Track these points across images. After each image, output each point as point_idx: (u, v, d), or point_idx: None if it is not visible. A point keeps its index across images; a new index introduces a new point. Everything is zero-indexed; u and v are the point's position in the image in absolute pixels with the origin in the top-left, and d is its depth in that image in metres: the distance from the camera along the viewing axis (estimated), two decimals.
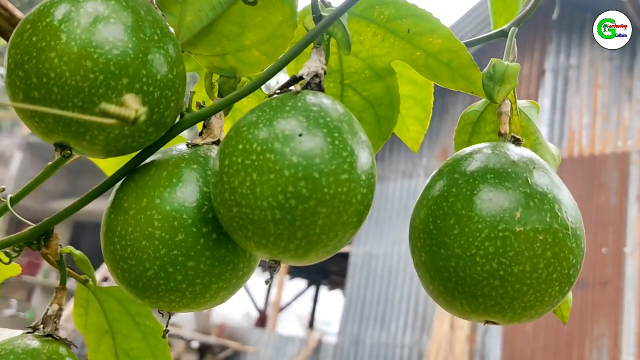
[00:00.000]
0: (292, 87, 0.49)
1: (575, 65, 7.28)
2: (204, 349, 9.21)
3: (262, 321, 11.24)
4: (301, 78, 0.49)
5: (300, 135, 0.41)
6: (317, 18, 0.52)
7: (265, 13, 0.55)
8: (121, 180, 0.52)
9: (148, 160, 0.52)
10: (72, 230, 12.63)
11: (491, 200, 0.44)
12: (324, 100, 0.46)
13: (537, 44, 7.67)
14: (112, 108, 0.30)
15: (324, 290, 14.82)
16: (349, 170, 0.42)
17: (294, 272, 13.20)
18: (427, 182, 0.52)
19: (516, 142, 0.53)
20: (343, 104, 0.52)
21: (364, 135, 0.46)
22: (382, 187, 8.43)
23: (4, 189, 0.62)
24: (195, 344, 9.23)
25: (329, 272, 13.79)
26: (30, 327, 0.57)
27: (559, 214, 0.44)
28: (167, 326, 0.56)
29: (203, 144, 0.54)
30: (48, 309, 0.58)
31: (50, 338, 0.57)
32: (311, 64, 0.50)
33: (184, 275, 0.47)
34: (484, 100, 0.62)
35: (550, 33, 7.59)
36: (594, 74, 7.08)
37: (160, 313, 0.54)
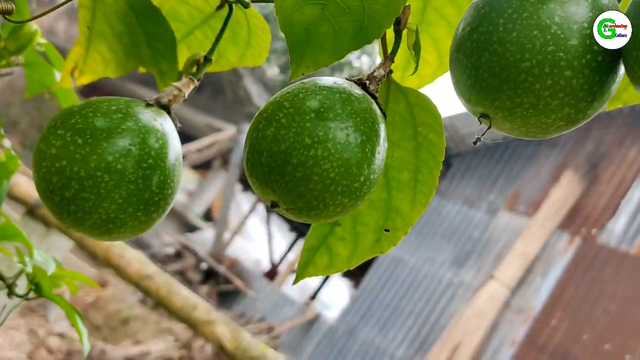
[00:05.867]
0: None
1: None
2: (209, 275, 9.31)
3: (271, 274, 11.33)
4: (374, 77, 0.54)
5: (348, 135, 0.48)
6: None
7: None
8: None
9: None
10: None
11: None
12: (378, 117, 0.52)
13: None
14: None
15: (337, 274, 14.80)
16: (359, 183, 0.49)
17: None
18: None
19: None
20: None
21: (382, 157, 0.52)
22: (439, 204, 8.27)
23: None
24: (203, 266, 9.34)
25: None
26: None
27: None
28: None
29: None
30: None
31: None
32: (379, 70, 0.55)
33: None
34: None
35: None
36: None
37: None
